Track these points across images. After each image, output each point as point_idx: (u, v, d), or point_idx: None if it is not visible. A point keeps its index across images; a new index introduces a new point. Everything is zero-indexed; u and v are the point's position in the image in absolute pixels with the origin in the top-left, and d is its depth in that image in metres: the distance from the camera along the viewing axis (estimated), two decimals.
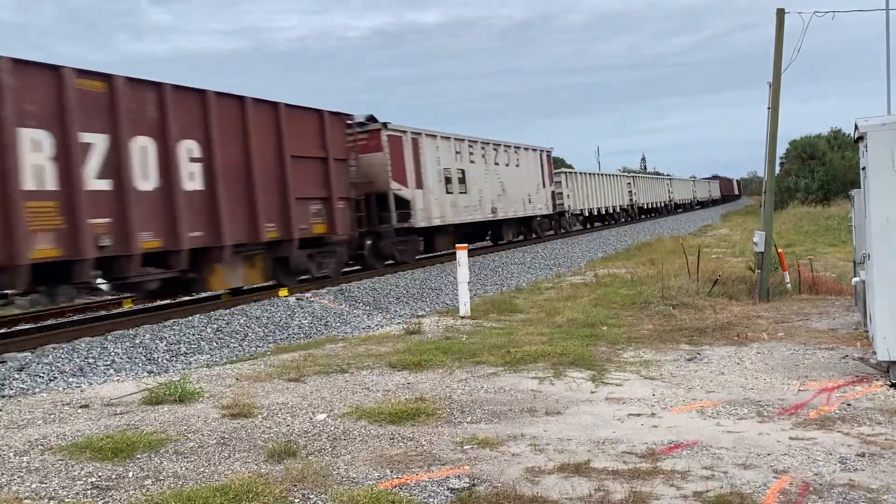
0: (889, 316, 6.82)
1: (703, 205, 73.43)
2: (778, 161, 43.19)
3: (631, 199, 45.63)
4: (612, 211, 40.86)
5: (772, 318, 10.47)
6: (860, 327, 9.14)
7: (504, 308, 12.42)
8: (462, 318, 11.57)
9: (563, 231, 32.45)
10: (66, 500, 4.31)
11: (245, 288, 14.51)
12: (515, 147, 25.85)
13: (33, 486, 4.50)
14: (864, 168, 7.52)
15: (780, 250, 14.88)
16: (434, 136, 19.79)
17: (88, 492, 4.42)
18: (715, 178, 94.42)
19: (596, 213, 38.50)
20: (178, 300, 14.78)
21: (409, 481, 4.56)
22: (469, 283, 12.22)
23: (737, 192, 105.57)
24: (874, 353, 7.19)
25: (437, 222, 19.51)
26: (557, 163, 61.23)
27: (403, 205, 18.11)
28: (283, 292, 14.25)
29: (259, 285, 14.88)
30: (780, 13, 13.48)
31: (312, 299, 13.94)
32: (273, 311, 12.74)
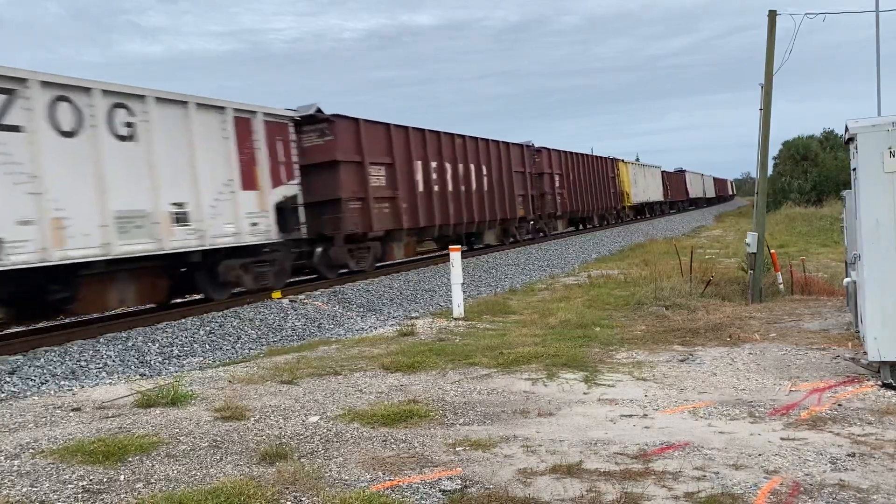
0: (880, 316, 6.85)
1: None
2: (771, 162, 43.26)
3: None
4: None
5: (764, 319, 10.50)
6: (852, 328, 9.17)
7: (498, 309, 12.43)
8: (456, 319, 11.57)
9: None
10: (57, 503, 4.29)
11: (238, 290, 14.50)
12: None
13: (24, 489, 4.48)
14: (854, 169, 7.55)
15: (772, 251, 14.94)
16: None
17: (79, 495, 4.40)
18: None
19: None
20: (171, 302, 14.74)
21: (401, 483, 4.56)
22: (463, 284, 12.24)
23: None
24: (865, 353, 7.22)
25: None
26: None
27: None
28: (276, 294, 14.24)
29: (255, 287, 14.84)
30: (772, 15, 13.54)
31: (306, 301, 13.93)
32: (266, 313, 12.73)
